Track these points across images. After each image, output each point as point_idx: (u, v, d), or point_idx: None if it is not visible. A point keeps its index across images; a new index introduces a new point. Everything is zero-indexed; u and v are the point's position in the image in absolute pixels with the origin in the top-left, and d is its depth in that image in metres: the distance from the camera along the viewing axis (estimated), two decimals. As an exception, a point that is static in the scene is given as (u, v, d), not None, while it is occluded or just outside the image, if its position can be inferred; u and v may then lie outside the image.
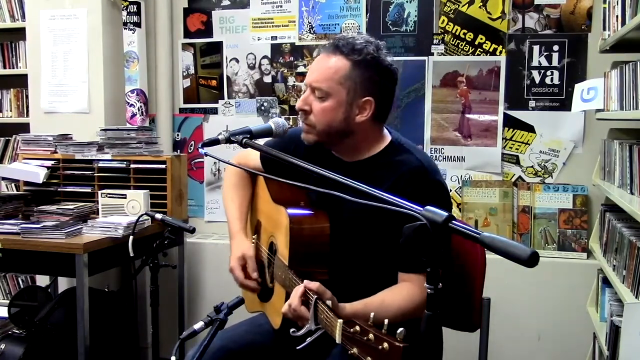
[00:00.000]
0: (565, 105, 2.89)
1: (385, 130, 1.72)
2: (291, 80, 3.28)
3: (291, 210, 1.64)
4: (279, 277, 1.68)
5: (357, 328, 1.13)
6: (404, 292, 1.54)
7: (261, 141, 1.66)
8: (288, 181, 1.40)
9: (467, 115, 3.03)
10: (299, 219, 1.63)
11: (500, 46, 2.97)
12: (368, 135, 1.66)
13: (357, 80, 1.58)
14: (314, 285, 1.39)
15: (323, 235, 1.62)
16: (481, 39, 2.99)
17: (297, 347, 1.35)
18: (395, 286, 1.58)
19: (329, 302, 1.34)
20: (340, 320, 1.20)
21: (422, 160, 1.63)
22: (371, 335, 1.09)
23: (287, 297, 1.48)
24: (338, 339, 1.20)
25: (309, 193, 1.74)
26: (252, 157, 1.93)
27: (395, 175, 1.60)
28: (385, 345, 1.05)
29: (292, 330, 1.38)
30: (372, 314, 1.14)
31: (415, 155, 1.64)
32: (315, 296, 1.36)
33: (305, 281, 1.43)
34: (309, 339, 1.34)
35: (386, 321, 1.10)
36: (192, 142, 3.45)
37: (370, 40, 1.62)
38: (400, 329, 1.06)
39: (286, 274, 1.60)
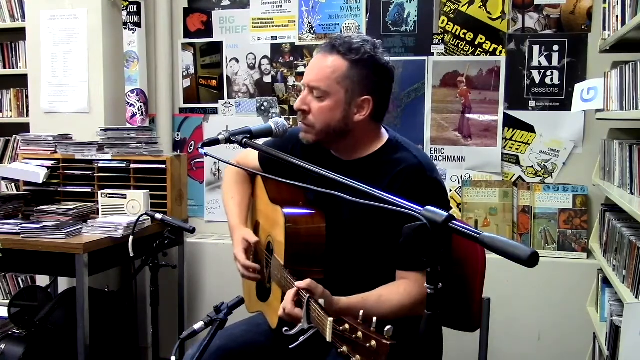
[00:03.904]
0: (565, 105, 2.89)
1: (383, 129, 1.72)
2: (291, 80, 3.28)
3: (287, 210, 1.65)
4: (276, 277, 1.68)
5: (347, 326, 1.14)
6: (401, 289, 1.55)
7: (261, 141, 1.66)
8: (287, 181, 1.41)
9: (467, 115, 3.02)
10: (295, 219, 1.63)
11: (500, 46, 2.97)
12: (366, 134, 1.67)
13: (355, 80, 1.59)
14: (305, 283, 1.40)
15: (319, 235, 1.62)
16: (481, 39, 2.99)
17: (290, 346, 1.35)
18: (392, 283, 1.59)
19: (321, 301, 1.34)
20: (331, 319, 1.20)
21: (420, 158, 1.63)
22: (360, 334, 1.10)
23: (284, 297, 1.48)
24: (329, 338, 1.20)
25: (307, 193, 1.74)
26: (252, 158, 1.94)
27: (392, 173, 1.60)
28: (373, 343, 1.06)
29: (284, 329, 1.38)
30: (361, 312, 1.14)
31: (412, 153, 1.64)
32: (308, 295, 1.36)
33: (296, 282, 1.43)
34: (301, 338, 1.34)
35: (374, 319, 1.10)
36: (192, 142, 3.45)
37: (367, 39, 1.63)
38: (388, 327, 1.07)
39: (282, 274, 1.60)
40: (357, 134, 1.65)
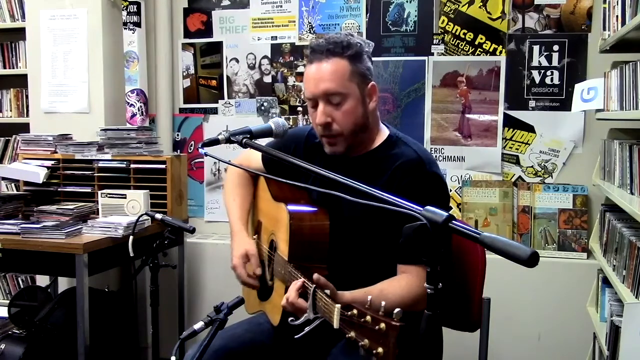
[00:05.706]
0: (565, 105, 2.89)
1: (383, 126, 1.75)
2: (291, 80, 3.28)
3: (291, 207, 1.66)
4: (279, 273, 1.69)
5: (354, 311, 1.14)
6: (402, 283, 1.56)
7: (261, 141, 1.66)
8: (289, 181, 1.41)
9: (467, 115, 3.02)
10: (299, 216, 1.64)
11: (500, 46, 2.97)
12: (375, 124, 1.71)
13: (359, 72, 1.64)
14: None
15: (323, 232, 1.63)
16: (481, 39, 2.99)
17: (295, 336, 1.35)
18: (394, 277, 1.60)
19: (327, 291, 1.35)
20: (338, 305, 1.21)
21: (419, 153, 1.65)
22: (368, 317, 1.09)
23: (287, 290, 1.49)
24: (336, 324, 1.21)
25: (310, 192, 1.74)
26: (254, 158, 1.94)
27: (392, 168, 1.62)
28: (382, 325, 1.06)
29: (290, 319, 1.39)
30: (369, 297, 1.15)
31: (412, 148, 1.67)
32: (314, 285, 1.37)
33: (302, 277, 1.44)
34: (307, 328, 1.35)
35: (383, 303, 1.10)
36: (192, 142, 3.45)
37: (344, 34, 1.68)
38: (397, 310, 1.06)
39: (286, 269, 1.61)
40: (370, 124, 1.68)
